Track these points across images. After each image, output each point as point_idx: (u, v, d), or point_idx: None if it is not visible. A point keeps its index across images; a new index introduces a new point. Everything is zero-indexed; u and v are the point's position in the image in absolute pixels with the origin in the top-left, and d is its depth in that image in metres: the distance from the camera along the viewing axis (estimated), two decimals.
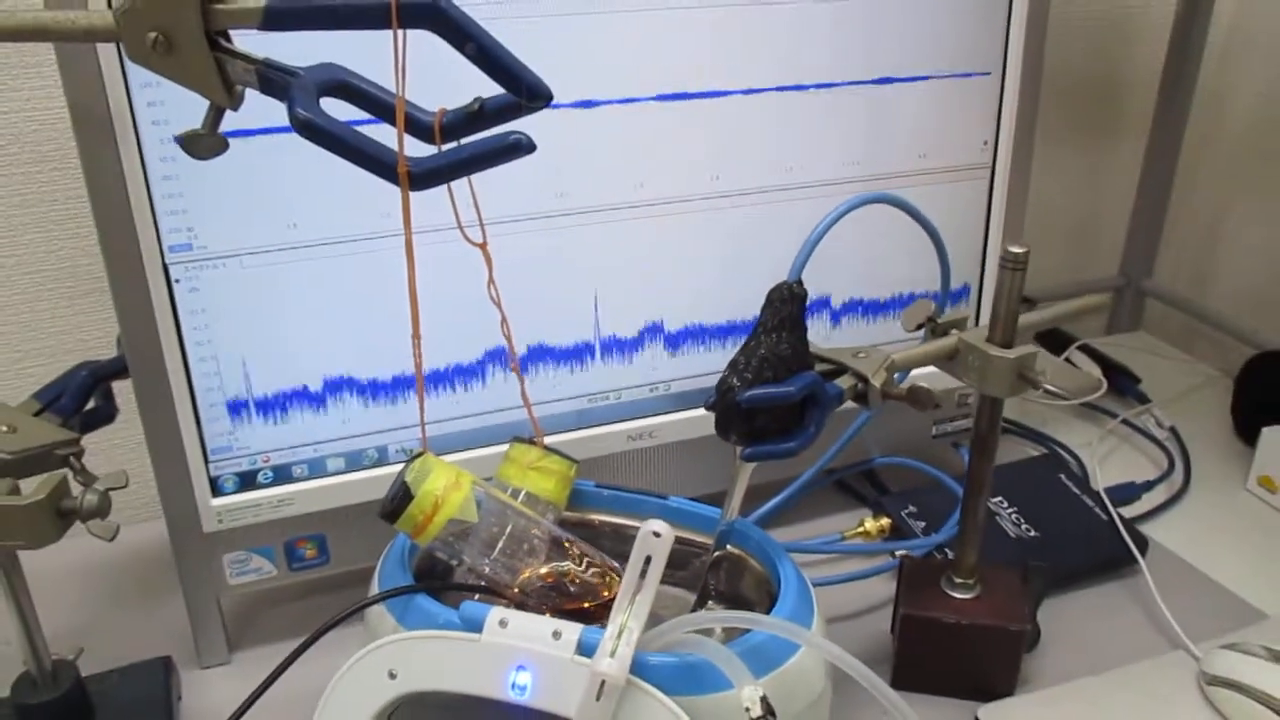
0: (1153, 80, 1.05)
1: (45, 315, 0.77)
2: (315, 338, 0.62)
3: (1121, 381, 0.97)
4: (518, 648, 0.46)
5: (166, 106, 0.55)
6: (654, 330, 0.69)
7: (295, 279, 0.60)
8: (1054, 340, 1.00)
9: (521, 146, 0.44)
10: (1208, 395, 0.98)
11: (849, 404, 0.54)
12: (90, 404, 0.62)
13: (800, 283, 0.51)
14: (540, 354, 0.67)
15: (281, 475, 0.64)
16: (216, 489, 0.63)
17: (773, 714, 0.43)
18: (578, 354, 0.68)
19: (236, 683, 0.64)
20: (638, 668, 0.45)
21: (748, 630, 0.49)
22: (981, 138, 0.74)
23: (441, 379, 0.65)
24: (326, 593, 0.71)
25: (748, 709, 0.43)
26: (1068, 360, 0.98)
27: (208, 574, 0.64)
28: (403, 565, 0.53)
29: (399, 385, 0.64)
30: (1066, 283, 1.11)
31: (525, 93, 0.44)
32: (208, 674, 0.66)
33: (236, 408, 0.61)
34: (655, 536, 0.44)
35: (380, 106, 0.47)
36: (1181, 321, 1.12)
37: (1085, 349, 0.99)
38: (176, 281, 0.58)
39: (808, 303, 0.71)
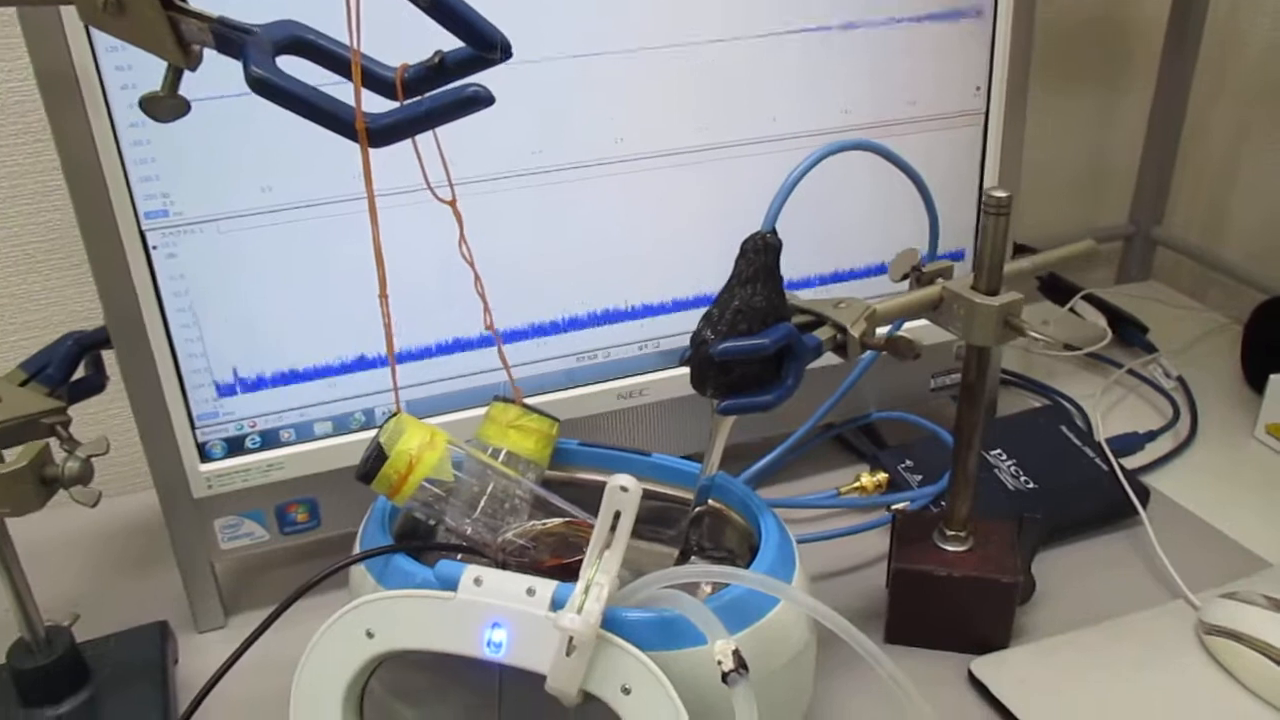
0: (1160, 20, 1.03)
1: (36, 287, 0.77)
2: (297, 301, 0.61)
3: (1129, 331, 0.95)
4: (492, 605, 0.46)
5: (135, 70, 0.54)
6: (640, 286, 0.68)
7: (273, 243, 0.60)
8: (1060, 290, 0.99)
9: (480, 98, 0.43)
10: (1218, 344, 0.96)
11: (847, 359, 0.53)
12: (81, 374, 0.62)
13: (774, 232, 0.50)
14: (526, 314, 0.66)
15: (269, 440, 0.64)
16: (204, 455, 0.63)
17: (744, 666, 0.43)
18: (564, 313, 0.67)
19: (232, 646, 0.64)
20: (614, 623, 0.45)
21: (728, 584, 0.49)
22: (974, 83, 0.72)
23: (426, 341, 0.65)
24: (323, 556, 0.71)
25: (719, 662, 0.43)
26: (1072, 310, 0.97)
27: (200, 539, 0.65)
28: (383, 527, 0.53)
29: (384, 347, 0.64)
30: (1074, 232, 1.07)
31: (483, 45, 0.44)
32: (204, 638, 0.67)
33: (220, 373, 0.61)
34: (623, 491, 0.43)
35: (339, 63, 0.46)
36: (1193, 270, 1.10)
37: (1091, 299, 0.97)
38: (154, 248, 0.58)
39: (804, 275, 0.71)
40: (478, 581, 0.46)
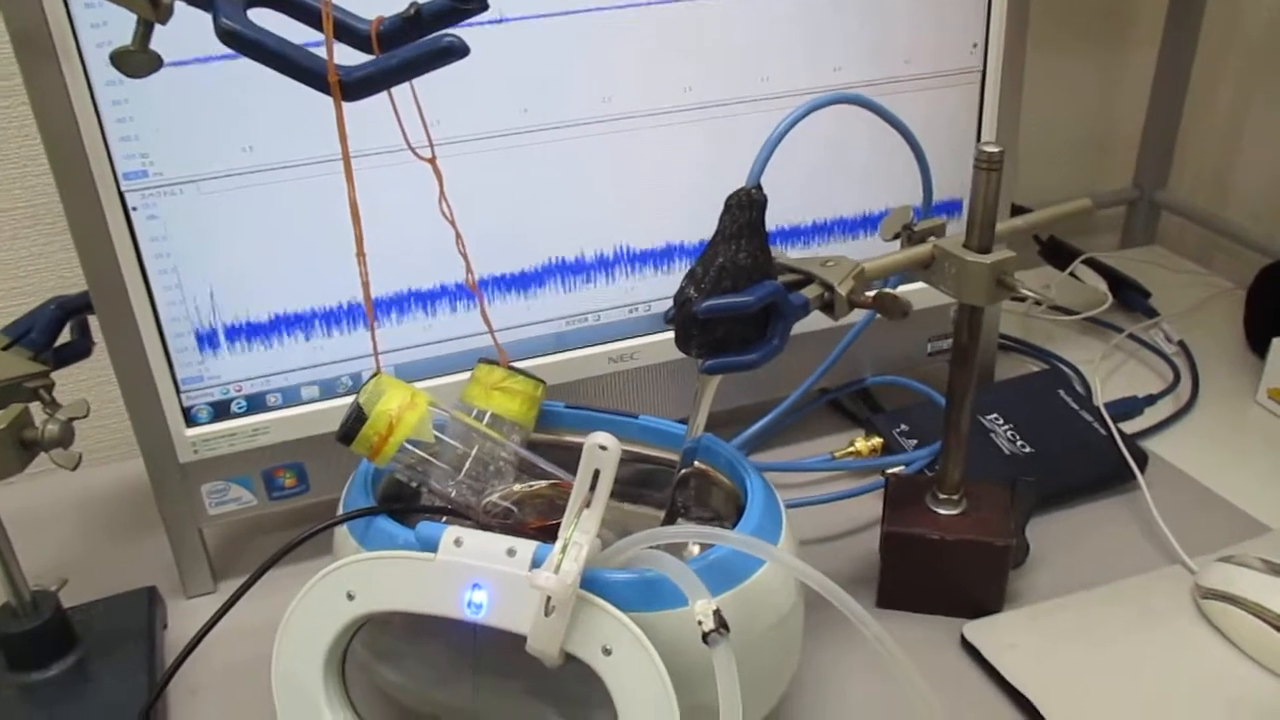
0: None
1: (24, 253, 0.77)
2: (281, 263, 0.61)
3: (1130, 296, 0.94)
4: (473, 566, 0.45)
5: (110, 27, 0.53)
6: (630, 249, 0.68)
7: (256, 203, 0.59)
8: (1061, 254, 0.97)
9: (455, 49, 0.42)
10: (1221, 308, 0.95)
11: (844, 321, 0.52)
12: (67, 339, 0.62)
13: (759, 187, 0.49)
14: (514, 276, 0.66)
15: (255, 404, 0.63)
16: (190, 419, 0.62)
17: (725, 627, 0.42)
18: (552, 275, 0.66)
19: None
20: (596, 584, 0.44)
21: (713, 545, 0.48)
22: (970, 40, 0.70)
23: (412, 302, 0.64)
24: (312, 521, 0.71)
25: (700, 622, 0.42)
26: (1073, 275, 0.95)
27: (187, 505, 0.64)
28: (366, 489, 0.53)
29: (369, 308, 0.63)
30: (1077, 196, 1.07)
31: None
32: (193, 603, 0.67)
33: (204, 337, 0.61)
34: (602, 450, 0.43)
35: (312, 15, 0.45)
36: (1198, 234, 1.08)
37: (1092, 263, 0.96)
38: (134, 209, 0.57)
39: (799, 225, 0.70)
40: (458, 542, 0.46)
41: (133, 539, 0.73)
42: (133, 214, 0.57)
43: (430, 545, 0.46)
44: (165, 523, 0.65)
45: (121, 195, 0.56)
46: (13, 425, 0.52)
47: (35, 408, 0.55)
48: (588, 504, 0.44)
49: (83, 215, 0.56)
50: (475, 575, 0.45)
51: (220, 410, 0.63)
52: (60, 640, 0.59)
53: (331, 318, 0.63)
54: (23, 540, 0.57)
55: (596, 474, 0.43)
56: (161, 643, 0.62)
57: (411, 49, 0.43)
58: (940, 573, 0.61)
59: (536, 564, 0.44)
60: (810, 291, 0.51)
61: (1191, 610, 0.61)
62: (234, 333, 0.61)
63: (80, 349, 0.63)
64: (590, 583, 0.44)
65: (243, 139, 0.57)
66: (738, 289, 0.48)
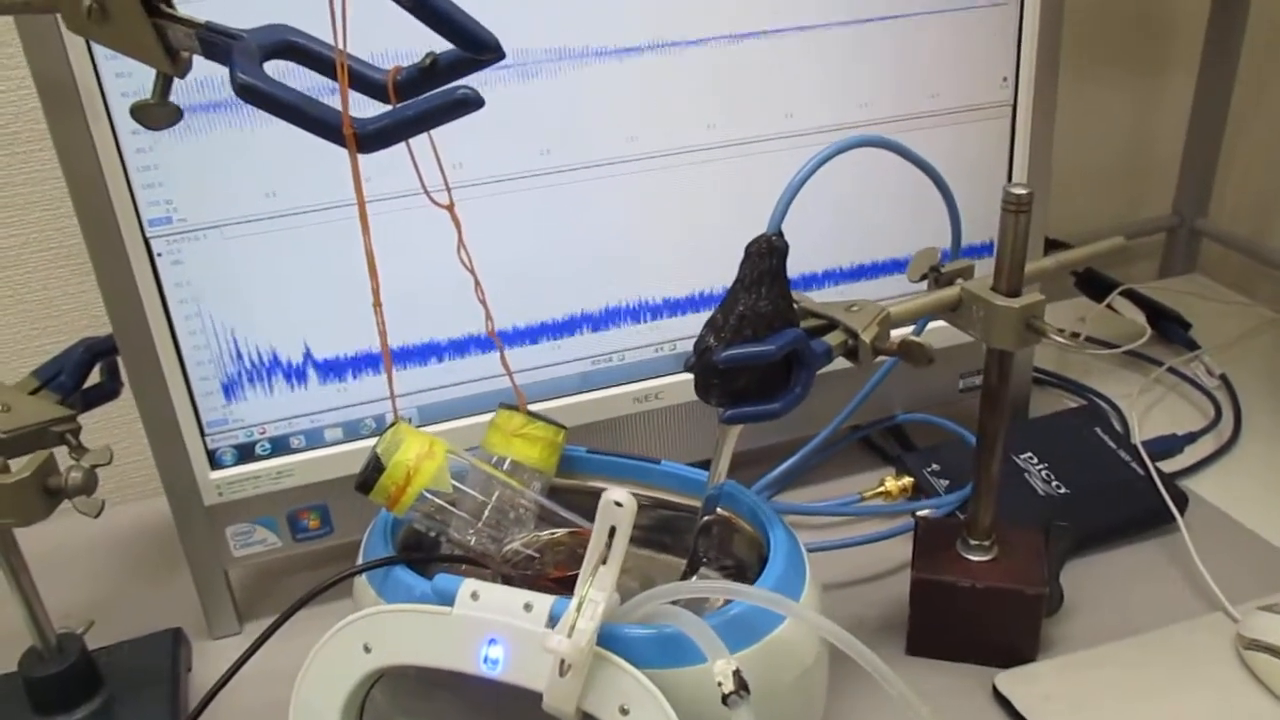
0: (1203, 2, 0.99)
1: (58, 292, 0.78)
2: (304, 307, 0.61)
3: (1169, 328, 0.92)
4: (489, 620, 0.45)
5: (134, 78, 0.54)
6: (656, 287, 0.67)
7: (278, 248, 0.59)
8: (1098, 285, 0.95)
9: (469, 101, 0.42)
10: (1265, 340, 0.92)
11: (859, 365, 0.51)
12: (96, 380, 0.62)
13: (780, 234, 0.48)
14: (538, 316, 0.65)
15: (279, 446, 0.64)
16: (215, 462, 0.63)
17: (745, 688, 0.41)
18: (576, 316, 0.66)
19: None
20: (613, 640, 0.44)
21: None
22: (1000, 73, 0.69)
23: (434, 345, 0.64)
24: (338, 562, 0.70)
25: (720, 683, 0.41)
26: (1110, 307, 0.93)
27: (212, 547, 0.65)
28: (385, 537, 0.53)
29: (394, 353, 0.63)
30: (1115, 225, 1.05)
31: (473, 46, 0.43)
32: (219, 645, 0.67)
33: (229, 380, 0.61)
34: (617, 506, 0.42)
35: (331, 67, 0.45)
36: (1241, 262, 1.06)
37: (1130, 294, 0.94)
38: (158, 255, 0.57)
39: (824, 271, 0.69)
40: (475, 596, 0.45)
41: (158, 579, 0.73)
42: (157, 260, 0.57)
43: (447, 598, 0.46)
44: (190, 564, 0.65)
45: (146, 241, 0.57)
46: (38, 473, 0.52)
47: (61, 451, 0.55)
48: (603, 560, 0.43)
49: (108, 261, 0.57)
50: (491, 630, 0.45)
51: (244, 453, 0.63)
52: (86, 683, 0.59)
53: (355, 360, 0.63)
54: (47, 581, 0.57)
55: (612, 530, 0.43)
56: (186, 685, 0.63)
57: (426, 100, 0.42)
58: (971, 621, 0.60)
59: (554, 619, 0.44)
60: (833, 338, 0.50)
61: (1233, 661, 0.59)
62: (257, 376, 0.61)
63: (109, 391, 0.63)
64: (608, 638, 0.43)
65: (264, 185, 0.58)
66: (759, 337, 0.47)
